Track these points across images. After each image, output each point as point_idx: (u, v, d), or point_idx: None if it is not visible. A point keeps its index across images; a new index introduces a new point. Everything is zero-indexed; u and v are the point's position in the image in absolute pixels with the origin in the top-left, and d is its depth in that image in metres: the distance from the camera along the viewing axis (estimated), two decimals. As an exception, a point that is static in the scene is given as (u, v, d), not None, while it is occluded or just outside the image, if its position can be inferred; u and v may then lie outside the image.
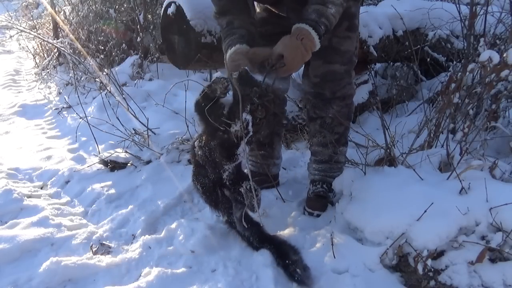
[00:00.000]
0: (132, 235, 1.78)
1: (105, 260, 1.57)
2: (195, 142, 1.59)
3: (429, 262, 1.31)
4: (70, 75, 4.82)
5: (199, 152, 1.56)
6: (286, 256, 1.43)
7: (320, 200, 1.83)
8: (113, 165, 2.47)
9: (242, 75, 1.40)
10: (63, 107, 4.17)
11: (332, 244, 1.48)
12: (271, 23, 1.81)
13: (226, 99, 1.48)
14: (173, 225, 1.71)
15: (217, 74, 1.45)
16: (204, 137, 1.54)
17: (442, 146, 1.80)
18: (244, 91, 1.38)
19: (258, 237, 1.53)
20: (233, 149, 1.48)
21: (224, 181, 1.55)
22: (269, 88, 1.43)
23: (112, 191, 2.18)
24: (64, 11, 6.13)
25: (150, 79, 4.23)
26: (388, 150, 1.72)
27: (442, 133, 1.87)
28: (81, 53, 4.53)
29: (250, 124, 1.42)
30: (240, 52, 1.49)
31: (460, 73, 1.84)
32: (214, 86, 1.44)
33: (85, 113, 2.91)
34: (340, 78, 1.73)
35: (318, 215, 1.79)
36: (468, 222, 1.36)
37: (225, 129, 1.42)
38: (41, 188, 2.43)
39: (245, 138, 1.42)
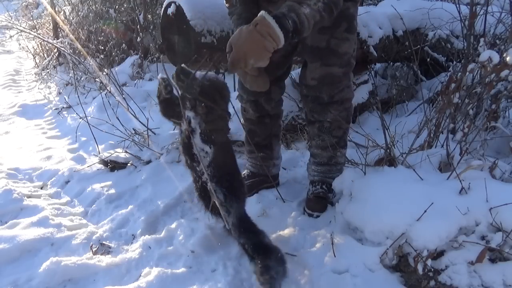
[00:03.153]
0: (132, 235, 1.78)
1: (105, 260, 1.57)
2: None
3: (429, 262, 1.30)
4: (70, 75, 4.83)
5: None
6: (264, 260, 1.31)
7: (319, 201, 1.82)
8: (113, 165, 2.47)
9: (177, 72, 1.39)
10: (63, 107, 4.18)
11: (332, 244, 1.48)
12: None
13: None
14: (173, 225, 1.71)
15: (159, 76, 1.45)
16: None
17: (442, 146, 1.80)
18: (181, 88, 1.38)
19: (252, 246, 1.39)
20: (191, 149, 1.45)
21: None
22: (196, 82, 1.38)
23: (112, 191, 2.18)
24: (64, 11, 6.14)
25: (150, 79, 4.24)
26: (388, 150, 1.72)
27: (442, 133, 1.87)
28: (81, 53, 4.53)
29: (193, 121, 1.40)
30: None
31: (460, 73, 1.83)
32: (159, 87, 1.47)
33: (85, 113, 2.92)
34: (339, 81, 1.71)
35: (317, 216, 1.79)
36: (468, 222, 1.36)
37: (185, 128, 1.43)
38: (41, 188, 2.43)
39: (193, 136, 1.40)
